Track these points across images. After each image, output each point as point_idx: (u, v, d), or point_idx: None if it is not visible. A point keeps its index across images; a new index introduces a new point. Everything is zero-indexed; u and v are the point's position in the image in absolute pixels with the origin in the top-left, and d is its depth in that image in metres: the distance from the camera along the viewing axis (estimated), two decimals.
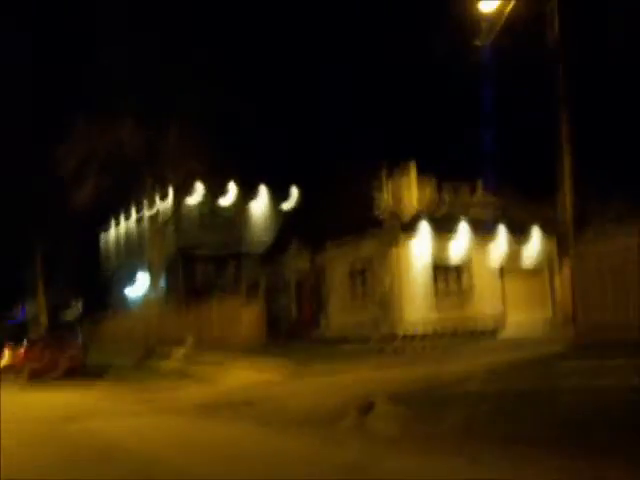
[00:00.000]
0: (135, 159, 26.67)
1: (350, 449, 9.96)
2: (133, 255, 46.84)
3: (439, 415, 10.93)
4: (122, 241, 52.11)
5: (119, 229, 52.22)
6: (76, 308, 57.07)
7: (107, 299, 50.89)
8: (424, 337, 26.92)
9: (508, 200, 33.18)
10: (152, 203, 32.77)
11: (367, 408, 11.73)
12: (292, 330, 32.13)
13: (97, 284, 54.15)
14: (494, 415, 10.51)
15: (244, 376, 20.52)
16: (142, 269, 46.40)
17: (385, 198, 28.94)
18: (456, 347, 24.52)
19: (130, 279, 45.44)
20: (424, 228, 29.05)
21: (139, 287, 46.52)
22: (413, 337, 26.74)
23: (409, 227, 28.66)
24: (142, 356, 26.47)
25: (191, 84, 27.45)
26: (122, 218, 50.32)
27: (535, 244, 32.70)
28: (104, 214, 46.70)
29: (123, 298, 45.86)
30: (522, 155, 36.07)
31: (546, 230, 32.91)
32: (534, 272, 32.39)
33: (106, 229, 53.98)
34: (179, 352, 24.72)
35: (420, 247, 28.88)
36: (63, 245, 44.68)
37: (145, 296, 30.16)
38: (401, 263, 28.29)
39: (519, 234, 32.01)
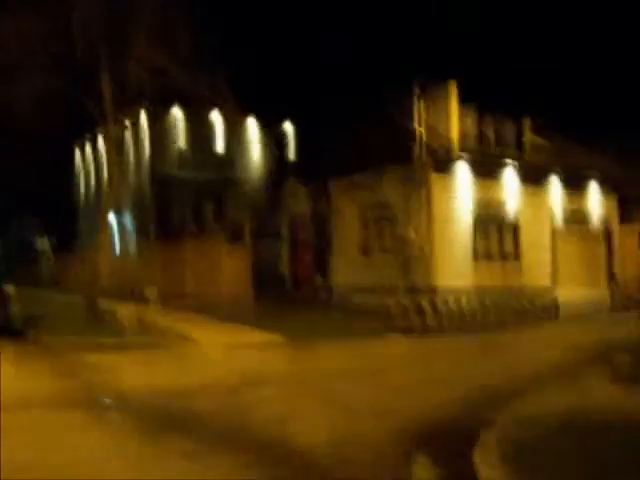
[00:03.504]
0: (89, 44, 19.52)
1: None
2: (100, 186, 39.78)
3: None
4: (91, 167, 45.09)
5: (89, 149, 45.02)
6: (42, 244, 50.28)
7: (78, 235, 43.81)
8: (464, 310, 20.47)
9: (562, 145, 26.63)
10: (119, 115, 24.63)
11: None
12: (286, 290, 25.51)
13: (68, 217, 47.08)
14: None
15: (222, 358, 14.06)
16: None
17: (416, 125, 22.17)
18: (515, 326, 18.19)
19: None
20: (464, 168, 22.41)
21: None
22: (449, 310, 20.19)
23: (446, 164, 21.95)
24: (86, 314, 19.59)
25: None
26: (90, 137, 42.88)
27: (592, 202, 26.13)
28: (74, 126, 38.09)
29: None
30: (581, 93, 29.84)
31: (605, 186, 26.44)
32: (590, 237, 25.90)
33: (81, 144, 46.67)
34: (131, 312, 17.92)
35: (458, 192, 22.26)
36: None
37: (100, 237, 22.64)
38: (434, 211, 21.60)
39: (574, 187, 25.41)
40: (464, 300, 21.12)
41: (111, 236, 21.79)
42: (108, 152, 21.33)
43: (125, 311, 17.91)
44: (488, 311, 20.74)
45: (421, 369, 12.33)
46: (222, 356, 14.26)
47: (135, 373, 12.03)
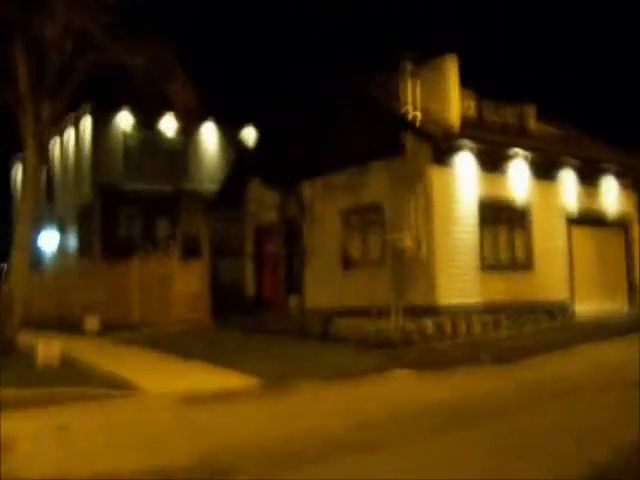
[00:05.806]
0: None
1: None
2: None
3: None
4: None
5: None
6: None
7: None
8: (477, 333, 16.60)
9: (573, 135, 22.96)
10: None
11: None
12: (252, 315, 21.31)
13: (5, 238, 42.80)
14: None
15: (176, 419, 9.86)
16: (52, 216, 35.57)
17: (408, 108, 18.21)
18: (545, 352, 14.40)
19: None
20: (468, 159, 18.51)
21: (49, 239, 35.69)
22: (460, 334, 16.28)
23: (446, 155, 18.02)
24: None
25: None
26: None
27: (609, 200, 22.40)
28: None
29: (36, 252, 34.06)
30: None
31: (624, 182, 22.79)
32: (608, 240, 22.20)
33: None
34: (53, 349, 13.52)
35: (462, 189, 18.36)
36: None
37: (15, 257, 17.54)
38: (434, 211, 17.66)
39: (589, 182, 21.70)
40: (476, 321, 17.22)
41: (27, 256, 17.14)
42: (26, 151, 16.90)
43: (45, 348, 13.59)
44: (505, 333, 16.87)
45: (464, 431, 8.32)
46: (176, 416, 10.03)
47: (39, 451, 7.83)
